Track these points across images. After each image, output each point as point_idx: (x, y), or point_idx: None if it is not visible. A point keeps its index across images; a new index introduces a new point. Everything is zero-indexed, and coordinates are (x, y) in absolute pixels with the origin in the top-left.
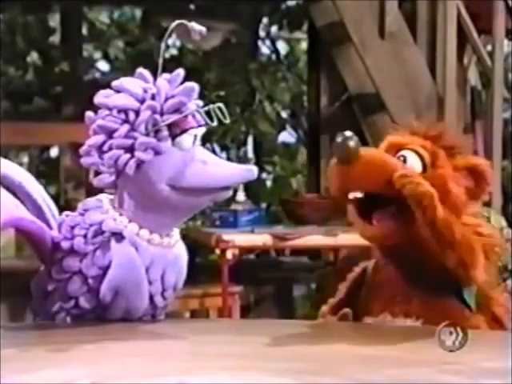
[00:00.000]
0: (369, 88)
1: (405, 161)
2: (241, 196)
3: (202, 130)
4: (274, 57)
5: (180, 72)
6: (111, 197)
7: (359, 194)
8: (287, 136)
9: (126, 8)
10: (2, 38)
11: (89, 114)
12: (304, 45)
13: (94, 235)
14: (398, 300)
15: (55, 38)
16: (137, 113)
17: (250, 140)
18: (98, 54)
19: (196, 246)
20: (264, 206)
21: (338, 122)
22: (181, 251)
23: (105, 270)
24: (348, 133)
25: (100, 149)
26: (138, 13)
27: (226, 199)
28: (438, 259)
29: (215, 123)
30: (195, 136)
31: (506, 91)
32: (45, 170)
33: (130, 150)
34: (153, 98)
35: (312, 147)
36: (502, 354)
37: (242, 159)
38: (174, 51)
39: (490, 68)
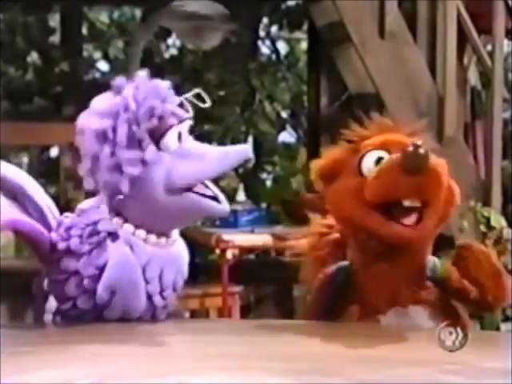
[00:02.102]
0: (369, 88)
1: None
2: (241, 196)
3: (186, 124)
4: (274, 57)
5: (143, 74)
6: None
7: (417, 203)
8: (287, 136)
9: (126, 8)
10: (1, 37)
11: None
12: (304, 45)
13: (90, 235)
14: (404, 291)
15: (55, 38)
16: (114, 130)
17: (250, 140)
18: (98, 54)
19: (196, 245)
20: (264, 206)
21: (338, 121)
22: (180, 250)
23: (101, 269)
24: (419, 142)
25: (92, 173)
26: (138, 13)
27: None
28: None
29: (190, 114)
30: (179, 133)
31: (505, 91)
32: (45, 170)
33: (119, 167)
34: (125, 108)
35: (312, 147)
36: (502, 354)
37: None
38: (174, 51)
39: (490, 68)
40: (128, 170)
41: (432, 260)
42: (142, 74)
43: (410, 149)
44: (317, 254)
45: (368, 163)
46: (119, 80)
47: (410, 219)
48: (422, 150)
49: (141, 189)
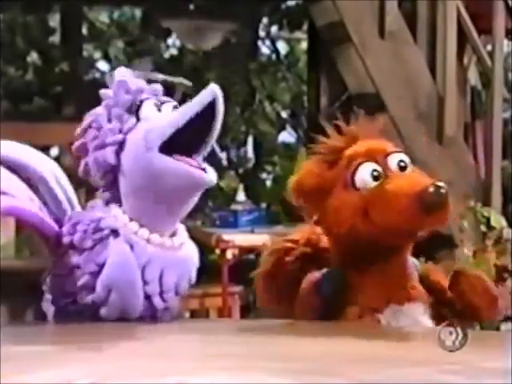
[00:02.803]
0: (369, 88)
1: (406, 166)
2: (241, 196)
3: (170, 104)
4: (274, 57)
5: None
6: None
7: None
8: (287, 136)
9: (126, 8)
10: (2, 37)
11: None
12: (304, 45)
13: (94, 231)
14: (397, 290)
15: (55, 38)
16: (96, 119)
17: (250, 140)
18: (98, 54)
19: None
20: (264, 206)
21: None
22: (188, 254)
23: (101, 266)
24: (440, 183)
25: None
26: (138, 13)
27: (225, 200)
28: None
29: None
30: (157, 105)
31: (506, 91)
32: None
33: (103, 145)
34: (106, 97)
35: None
36: (502, 354)
37: (242, 159)
38: (174, 51)
39: (490, 68)
40: (110, 139)
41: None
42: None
43: (431, 190)
44: (282, 270)
45: (363, 176)
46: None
47: None
48: (443, 191)
49: (126, 158)
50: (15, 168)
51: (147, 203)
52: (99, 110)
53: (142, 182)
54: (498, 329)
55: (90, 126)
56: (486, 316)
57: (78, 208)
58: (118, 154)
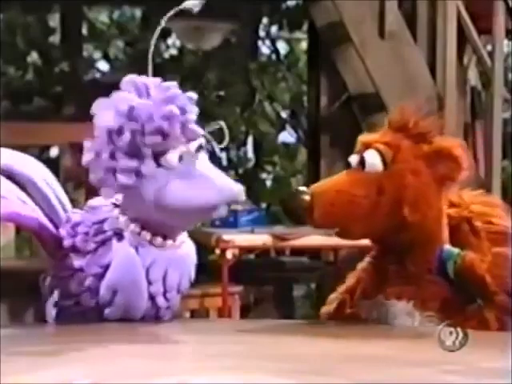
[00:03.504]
0: (369, 88)
1: (364, 162)
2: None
3: (196, 143)
4: (274, 57)
5: (171, 86)
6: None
7: None
8: (287, 136)
9: (126, 8)
10: (1, 37)
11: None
12: (304, 45)
13: (96, 234)
14: (390, 284)
15: (55, 38)
16: (119, 132)
17: (250, 140)
18: (97, 54)
19: (196, 246)
20: (264, 206)
21: (337, 121)
22: (188, 252)
23: (105, 268)
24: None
25: (92, 167)
26: (138, 13)
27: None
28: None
29: (200, 137)
30: (182, 154)
31: (505, 91)
32: None
33: (114, 171)
34: (136, 118)
35: (312, 147)
36: (502, 354)
37: (242, 159)
38: (173, 51)
39: (490, 68)
40: (121, 179)
41: (448, 249)
42: (171, 83)
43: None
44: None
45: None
46: (143, 82)
47: None
48: (302, 196)
49: (133, 198)
50: (5, 173)
51: (153, 226)
52: (120, 125)
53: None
54: None
55: (110, 137)
56: None
57: (69, 209)
58: (126, 189)
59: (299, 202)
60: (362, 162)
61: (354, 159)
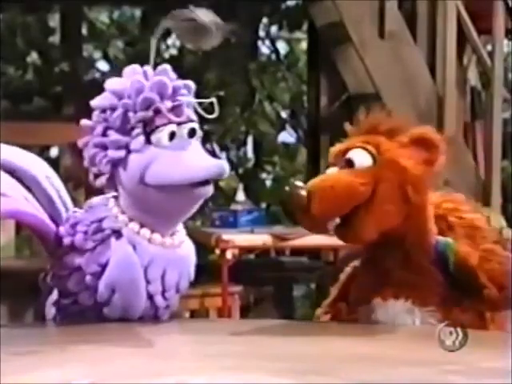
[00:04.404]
0: (369, 88)
1: (352, 162)
2: (241, 196)
3: (187, 127)
4: (273, 57)
5: (163, 68)
6: (116, 195)
7: None
8: (287, 136)
9: (126, 8)
10: (1, 37)
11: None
12: (304, 45)
13: (95, 232)
14: (386, 284)
15: (55, 38)
16: (112, 110)
17: (249, 140)
18: (97, 54)
19: (196, 245)
20: (264, 206)
21: (337, 121)
22: (187, 251)
23: (103, 267)
24: (298, 183)
25: (85, 148)
26: (138, 13)
27: (225, 200)
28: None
29: (193, 118)
30: (173, 132)
31: (505, 91)
32: None
33: (105, 148)
34: (129, 95)
35: (312, 147)
36: (502, 354)
37: (242, 159)
38: (173, 51)
39: (490, 68)
40: (111, 153)
41: (443, 240)
42: (162, 67)
43: (286, 188)
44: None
45: None
46: (142, 69)
47: None
48: (298, 191)
49: (121, 174)
50: (7, 170)
51: (147, 213)
52: (113, 103)
53: (138, 198)
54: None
55: (103, 115)
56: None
57: (71, 208)
58: (115, 165)
59: (296, 195)
60: (349, 163)
61: (331, 171)
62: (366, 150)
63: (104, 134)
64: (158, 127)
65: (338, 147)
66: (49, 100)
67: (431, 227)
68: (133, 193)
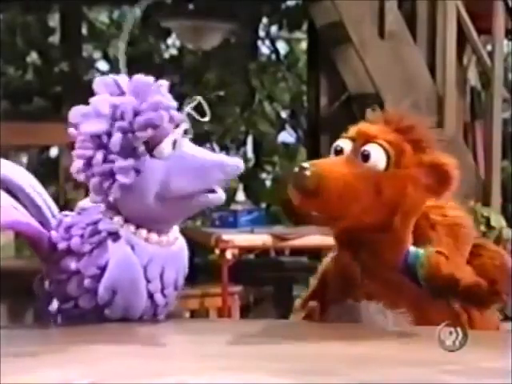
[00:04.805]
0: (369, 88)
1: (368, 156)
2: (241, 196)
3: (182, 128)
4: (273, 57)
5: (148, 81)
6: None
7: None
8: (287, 136)
9: (126, 8)
10: (1, 37)
11: (71, 131)
12: (304, 45)
13: (91, 235)
14: (359, 284)
15: (55, 38)
16: (109, 135)
17: (249, 140)
18: (97, 54)
19: (196, 246)
20: (264, 206)
21: (337, 121)
22: (180, 248)
23: (102, 269)
24: (306, 164)
25: (84, 174)
26: (138, 13)
27: (225, 200)
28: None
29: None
30: (175, 140)
31: (505, 91)
32: (44, 170)
33: (111, 174)
34: (122, 116)
35: (312, 147)
36: (502, 354)
37: (242, 159)
38: (173, 51)
39: (490, 68)
40: (121, 179)
41: (413, 251)
42: (140, 76)
43: (296, 170)
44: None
45: None
46: (115, 80)
47: None
48: (306, 172)
49: (134, 195)
50: None
51: (147, 220)
52: (107, 128)
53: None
54: (497, 329)
55: (99, 141)
56: (501, 290)
57: (56, 213)
58: (125, 188)
59: (301, 176)
60: (364, 155)
61: (347, 145)
62: (387, 152)
63: (105, 161)
64: (161, 140)
65: (365, 128)
66: (49, 100)
67: (408, 239)
68: (144, 210)
